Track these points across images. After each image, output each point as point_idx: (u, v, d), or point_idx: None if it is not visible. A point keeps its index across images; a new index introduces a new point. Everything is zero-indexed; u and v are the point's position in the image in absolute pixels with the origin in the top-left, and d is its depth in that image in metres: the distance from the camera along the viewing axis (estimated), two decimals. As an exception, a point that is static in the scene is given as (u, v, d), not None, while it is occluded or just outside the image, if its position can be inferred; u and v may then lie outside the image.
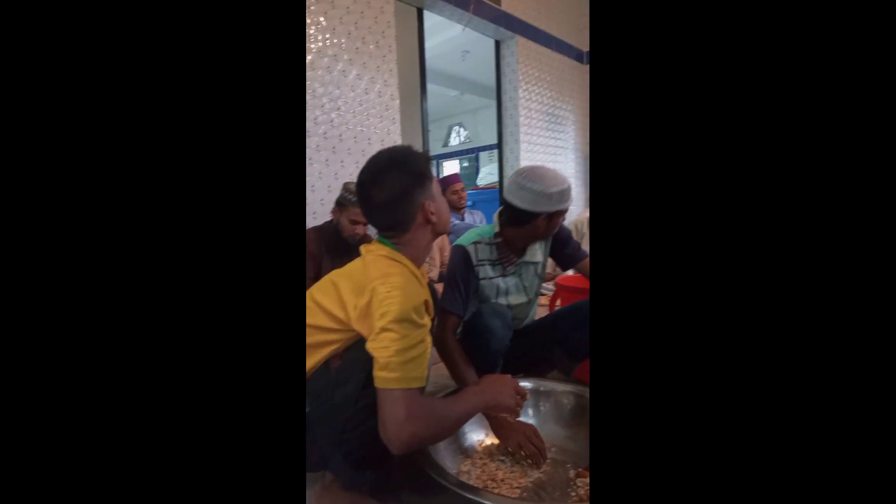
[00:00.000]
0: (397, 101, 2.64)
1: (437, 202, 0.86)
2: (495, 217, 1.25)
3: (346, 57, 2.36)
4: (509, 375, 0.90)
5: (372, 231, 2.06)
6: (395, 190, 0.82)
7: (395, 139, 2.65)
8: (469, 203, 2.98)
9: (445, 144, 7.85)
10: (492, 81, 3.69)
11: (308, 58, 2.21)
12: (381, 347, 0.69)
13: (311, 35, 2.22)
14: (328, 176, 2.32)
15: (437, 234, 0.89)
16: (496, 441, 1.04)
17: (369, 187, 0.83)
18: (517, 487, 0.90)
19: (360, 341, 0.75)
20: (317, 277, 1.75)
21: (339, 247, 1.81)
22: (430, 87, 2.89)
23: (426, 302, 0.76)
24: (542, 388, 1.16)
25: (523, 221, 1.14)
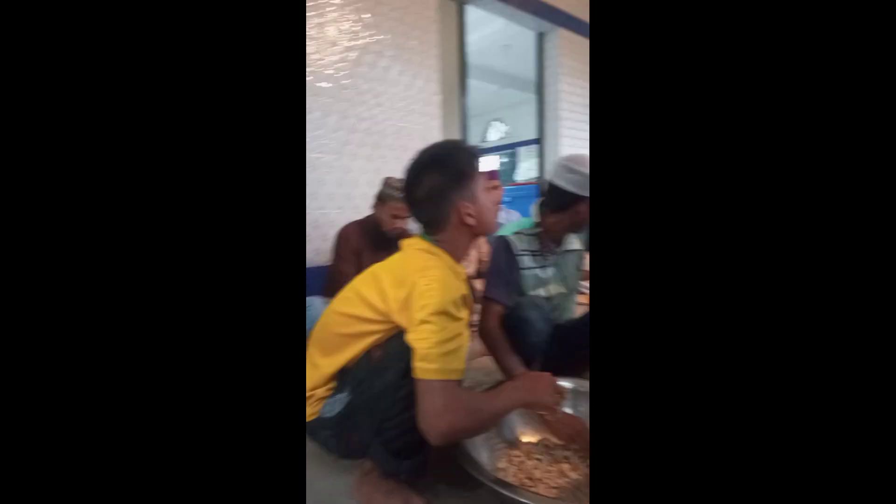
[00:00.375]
0: (438, 97, 2.65)
1: (477, 204, 0.85)
2: (534, 208, 1.28)
3: (389, 53, 2.39)
4: (549, 373, 0.89)
5: (412, 225, 2.08)
6: (430, 188, 0.82)
7: (435, 135, 2.66)
8: (507, 199, 2.95)
9: (484, 139, 7.80)
10: (532, 75, 3.63)
11: (353, 55, 2.25)
12: (420, 339, 0.70)
13: (355, 32, 2.26)
14: (370, 171, 2.36)
15: (476, 236, 0.89)
16: (533, 439, 1.03)
17: (411, 181, 0.85)
18: (554, 487, 0.90)
19: (400, 332, 0.76)
20: (358, 271, 1.79)
21: (379, 240, 1.84)
22: (470, 81, 2.88)
23: (464, 296, 0.77)
24: (581, 389, 1.14)
25: (567, 206, 1.16)
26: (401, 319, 0.76)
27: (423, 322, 0.70)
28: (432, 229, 0.86)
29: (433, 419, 0.68)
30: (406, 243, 0.88)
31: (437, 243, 0.85)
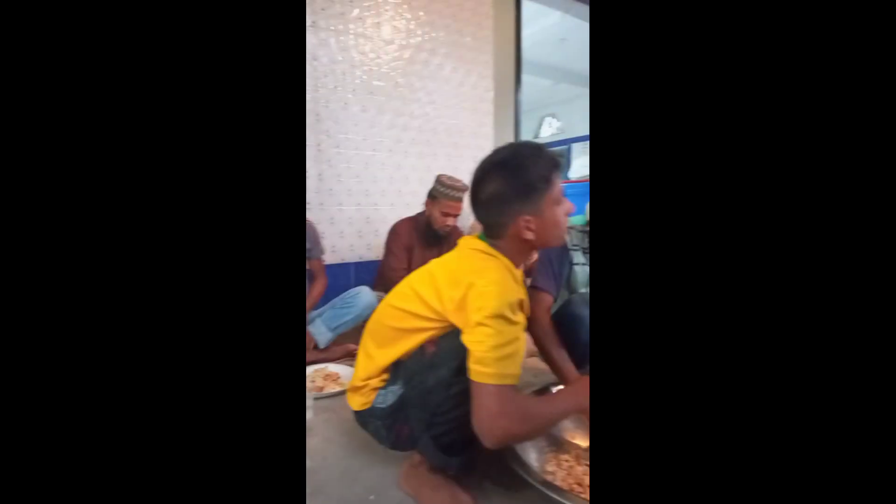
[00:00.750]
0: (491, 93, 2.63)
1: (542, 218, 0.78)
2: (588, 207, 1.26)
3: (443, 51, 2.40)
4: None
5: (461, 223, 2.09)
6: (493, 194, 0.79)
7: (487, 132, 2.65)
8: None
9: (536, 136, 7.65)
10: (588, 69, 3.51)
11: (407, 53, 2.28)
12: (476, 341, 0.69)
13: (411, 30, 2.28)
14: (421, 168, 2.39)
15: (535, 248, 0.85)
16: (584, 444, 1.01)
17: (476, 181, 0.82)
18: (605, 495, 0.87)
19: (455, 330, 0.76)
20: (409, 266, 1.82)
21: (430, 237, 1.86)
22: (524, 77, 2.83)
23: (521, 300, 0.75)
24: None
25: None
26: (456, 319, 0.75)
27: (480, 325, 0.69)
28: (490, 233, 0.83)
29: (488, 423, 0.68)
30: (463, 242, 0.86)
31: (495, 246, 0.83)
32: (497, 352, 0.68)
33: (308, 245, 1.76)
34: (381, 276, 1.90)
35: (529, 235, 0.79)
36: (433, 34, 2.36)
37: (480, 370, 0.68)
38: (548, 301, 1.15)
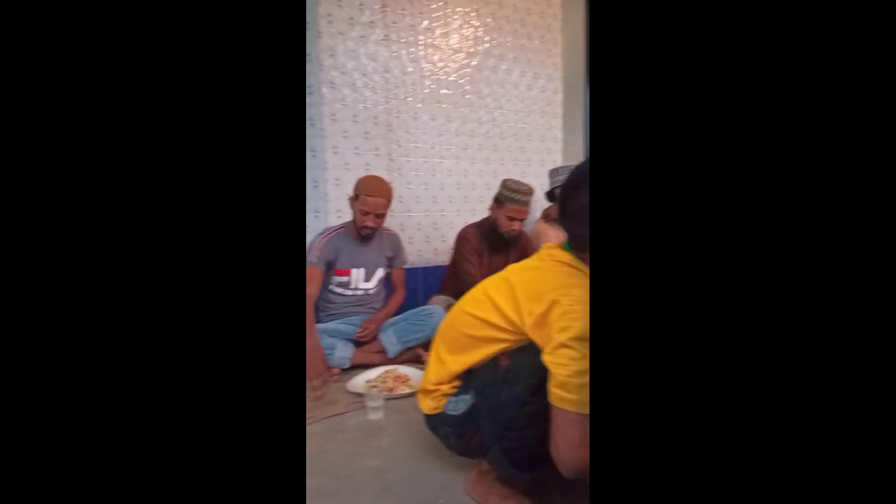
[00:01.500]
0: (560, 96, 2.58)
1: None
2: None
3: (511, 55, 2.39)
4: None
5: (528, 228, 2.06)
6: (587, 205, 0.70)
7: (555, 134, 2.59)
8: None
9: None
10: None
11: (475, 60, 2.30)
12: (559, 364, 0.66)
13: (478, 37, 2.30)
14: (488, 174, 2.39)
15: None
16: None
17: (569, 188, 0.74)
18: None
19: (530, 344, 0.74)
20: (481, 271, 1.82)
21: (496, 242, 1.86)
22: (595, 77, 2.74)
23: None
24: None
25: None
26: (535, 336, 0.72)
27: (564, 346, 0.65)
28: (579, 245, 0.75)
29: (568, 452, 0.65)
30: (545, 253, 0.80)
31: (582, 260, 0.75)
32: (581, 378, 0.64)
33: (391, 254, 1.83)
34: (454, 282, 1.92)
35: None
36: (501, 39, 2.36)
37: (562, 396, 0.65)
38: None
